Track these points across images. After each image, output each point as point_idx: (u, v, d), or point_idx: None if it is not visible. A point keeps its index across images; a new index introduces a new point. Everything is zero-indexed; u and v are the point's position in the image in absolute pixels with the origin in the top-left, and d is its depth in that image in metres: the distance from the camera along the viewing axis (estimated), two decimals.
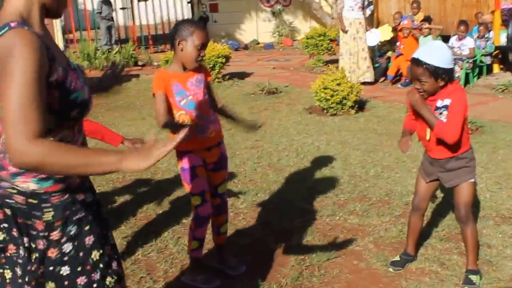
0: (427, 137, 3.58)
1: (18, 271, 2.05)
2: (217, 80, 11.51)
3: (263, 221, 4.76)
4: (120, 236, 4.53)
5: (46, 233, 2.03)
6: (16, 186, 1.98)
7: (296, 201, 5.15)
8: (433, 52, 3.44)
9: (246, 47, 18.32)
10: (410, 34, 10.98)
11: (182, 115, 3.48)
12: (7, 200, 2.00)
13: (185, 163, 3.58)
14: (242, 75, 12.27)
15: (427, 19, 11.61)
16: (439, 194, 4.97)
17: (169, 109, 3.50)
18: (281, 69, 13.28)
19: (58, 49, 2.02)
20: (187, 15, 19.74)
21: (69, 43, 16.85)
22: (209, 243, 4.13)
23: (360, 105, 8.83)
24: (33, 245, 2.03)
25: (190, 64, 3.47)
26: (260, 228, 4.63)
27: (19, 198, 1.99)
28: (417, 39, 10.93)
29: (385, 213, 4.78)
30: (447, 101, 3.44)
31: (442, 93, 3.45)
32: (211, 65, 11.34)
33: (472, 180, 3.63)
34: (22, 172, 1.96)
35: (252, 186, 5.59)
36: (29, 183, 1.98)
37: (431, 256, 4.01)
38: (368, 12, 17.56)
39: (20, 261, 2.04)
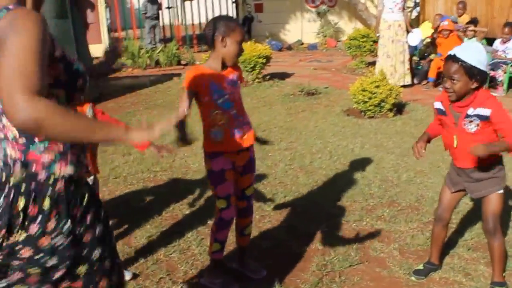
0: (455, 144, 3.46)
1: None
2: (257, 80, 11.50)
3: (288, 224, 4.71)
4: (145, 235, 4.55)
5: (82, 218, 2.08)
6: (56, 175, 1.99)
7: (324, 205, 5.08)
8: (471, 51, 3.33)
9: (289, 48, 18.27)
10: (449, 35, 10.73)
11: (219, 114, 3.44)
12: (47, 192, 1.98)
13: (214, 166, 3.53)
14: (282, 76, 12.22)
15: (473, 22, 11.33)
16: (469, 202, 4.83)
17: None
18: (322, 70, 13.17)
19: (55, 40, 2.05)
20: (232, 14, 19.79)
21: (114, 42, 17.07)
22: (231, 244, 4.11)
23: (399, 108, 8.68)
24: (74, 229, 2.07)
25: (232, 60, 3.46)
26: (285, 231, 4.58)
27: (60, 185, 2.00)
28: (461, 40, 10.68)
29: (413, 220, 4.67)
30: (481, 111, 3.30)
31: (474, 101, 3.32)
32: (251, 65, 11.35)
33: (501, 191, 3.50)
34: (57, 159, 1.99)
35: (281, 189, 5.54)
36: (67, 168, 2.01)
37: (456, 266, 3.89)
38: (414, 13, 17.36)
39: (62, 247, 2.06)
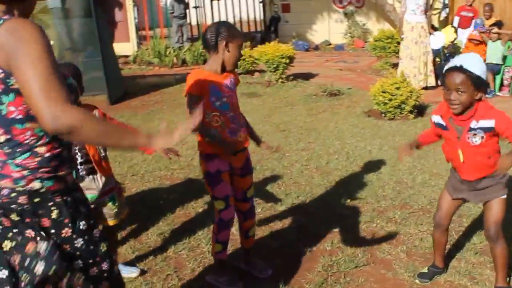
0: (461, 160, 3.43)
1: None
2: (280, 80, 11.52)
3: (298, 224, 4.73)
4: (157, 232, 4.63)
5: (54, 231, 2.09)
6: (19, 189, 2.03)
7: (336, 206, 5.09)
8: (474, 61, 3.32)
9: (316, 48, 18.24)
10: (479, 44, 10.67)
11: (216, 117, 3.50)
12: (12, 206, 2.03)
13: (211, 167, 3.57)
14: (306, 76, 12.23)
15: (497, 24, 11.19)
16: (480, 206, 4.78)
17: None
18: (347, 71, 13.14)
19: None
20: (259, 14, 19.86)
21: (142, 40, 17.27)
22: (237, 243, 4.15)
23: (420, 110, 8.62)
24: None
25: (233, 65, 3.53)
26: (295, 231, 4.61)
27: (23, 199, 2.03)
28: (485, 44, 10.59)
29: (424, 222, 4.66)
30: (484, 123, 3.28)
31: (476, 114, 3.30)
32: (274, 66, 11.37)
33: (504, 196, 3.48)
34: (25, 175, 2.02)
35: (295, 189, 5.56)
36: (33, 183, 2.04)
37: (462, 270, 3.88)
38: (443, 14, 17.19)
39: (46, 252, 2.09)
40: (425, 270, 3.82)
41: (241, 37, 3.52)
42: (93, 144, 1.99)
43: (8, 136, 1.99)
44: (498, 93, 10.43)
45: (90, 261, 2.18)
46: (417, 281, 3.76)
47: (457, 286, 3.70)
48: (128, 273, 3.92)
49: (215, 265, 3.86)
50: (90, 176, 3.62)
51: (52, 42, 10.34)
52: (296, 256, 4.18)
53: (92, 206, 3.65)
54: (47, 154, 2.05)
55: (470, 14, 13.36)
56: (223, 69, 3.53)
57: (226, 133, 3.52)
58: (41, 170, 2.04)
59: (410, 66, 10.55)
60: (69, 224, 2.11)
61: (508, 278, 3.62)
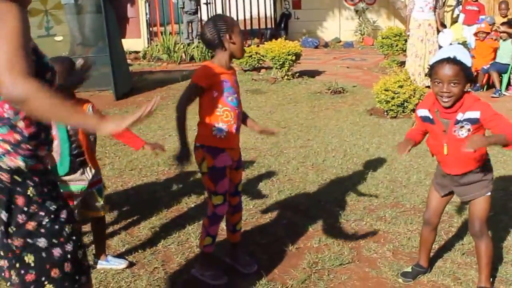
0: (445, 152, 3.42)
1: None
2: (286, 77, 11.54)
3: (288, 221, 4.76)
4: (148, 226, 4.68)
5: (26, 208, 2.18)
6: (2, 165, 2.13)
7: (327, 203, 5.11)
8: (464, 52, 3.31)
9: (326, 45, 18.22)
10: (486, 37, 10.59)
11: (227, 111, 3.52)
12: None
13: (218, 163, 3.57)
14: (312, 73, 12.23)
15: (509, 23, 11.12)
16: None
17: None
18: (355, 69, 13.13)
19: None
20: (270, 11, 19.84)
21: (153, 36, 17.32)
22: (223, 237, 4.19)
23: None
24: (12, 220, 2.18)
25: (242, 51, 3.57)
26: (283, 228, 4.63)
27: (4, 176, 2.14)
28: (496, 41, 10.55)
29: (414, 221, 4.66)
30: (471, 114, 3.26)
31: (462, 106, 3.28)
32: (280, 62, 11.38)
33: (488, 194, 3.48)
34: (9, 150, 2.12)
35: (289, 186, 5.59)
36: (16, 161, 2.13)
37: (447, 270, 3.88)
38: (456, 11, 17.09)
39: None
40: (409, 269, 3.82)
41: (236, 22, 3.54)
42: (42, 117, 2.04)
43: None
44: (504, 93, 10.37)
45: (54, 241, 2.24)
46: (400, 280, 3.77)
47: (440, 286, 3.70)
48: (116, 264, 3.98)
49: (201, 259, 3.90)
50: (81, 169, 3.70)
51: (61, 38, 10.47)
52: (283, 252, 4.21)
53: (81, 197, 3.75)
54: (26, 132, 2.15)
55: (476, 9, 13.28)
56: (228, 66, 3.58)
57: (233, 129, 3.57)
58: (23, 146, 2.14)
59: (416, 64, 10.53)
60: (40, 203, 2.21)
61: (491, 279, 3.62)
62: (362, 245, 4.29)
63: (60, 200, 2.32)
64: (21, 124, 2.13)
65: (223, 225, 4.30)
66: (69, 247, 2.28)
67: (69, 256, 2.28)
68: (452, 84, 3.22)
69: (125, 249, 4.29)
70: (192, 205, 5.12)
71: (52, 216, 2.23)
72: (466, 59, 3.27)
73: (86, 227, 4.21)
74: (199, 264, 3.91)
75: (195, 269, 3.90)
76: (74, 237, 2.31)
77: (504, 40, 10.55)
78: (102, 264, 3.97)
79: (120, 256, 4.13)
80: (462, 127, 3.29)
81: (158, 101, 2.12)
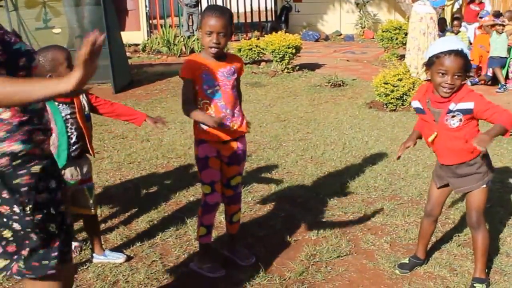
0: (430, 139, 3.45)
1: (17, 226, 2.21)
2: (286, 70, 11.54)
3: (287, 214, 4.77)
4: (146, 219, 4.68)
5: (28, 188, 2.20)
6: (1, 150, 2.13)
7: (326, 196, 5.12)
8: (466, 46, 3.33)
9: (327, 38, 18.20)
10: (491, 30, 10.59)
11: (206, 104, 3.53)
12: None
13: (200, 152, 3.63)
14: (312, 67, 12.23)
15: (497, 15, 11.07)
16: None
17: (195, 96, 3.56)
18: (354, 62, 13.12)
19: None
20: (271, 4, 19.82)
21: (153, 29, 17.32)
22: (223, 231, 4.20)
23: None
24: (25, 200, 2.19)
25: (206, 51, 3.52)
26: (281, 220, 4.64)
27: (4, 160, 2.14)
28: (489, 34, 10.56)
29: (411, 214, 4.67)
30: (464, 105, 3.27)
31: (455, 96, 3.28)
32: (280, 55, 11.37)
33: (484, 186, 3.48)
34: (6, 137, 2.12)
35: (288, 178, 5.60)
36: (14, 146, 2.14)
37: (443, 261, 3.89)
38: (456, 6, 17.07)
39: (16, 217, 2.19)
40: (406, 260, 3.84)
41: (206, 21, 3.43)
42: (8, 105, 2.02)
43: None
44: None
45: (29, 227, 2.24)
46: (397, 271, 3.78)
47: (436, 277, 3.72)
48: (114, 258, 3.98)
49: (199, 251, 3.91)
50: (76, 163, 3.70)
51: (59, 30, 10.45)
52: (281, 244, 4.22)
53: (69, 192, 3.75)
54: (15, 121, 2.14)
55: (477, 9, 13.32)
56: (220, 56, 3.55)
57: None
58: (16, 132, 2.14)
59: (418, 57, 10.52)
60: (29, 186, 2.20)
61: (486, 270, 3.63)
62: (359, 237, 4.30)
63: (48, 187, 2.30)
64: (7, 115, 2.13)
65: (221, 218, 4.33)
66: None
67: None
68: (456, 76, 3.24)
69: (123, 242, 4.30)
70: (191, 199, 5.13)
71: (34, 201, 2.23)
72: (467, 52, 3.29)
73: (80, 223, 4.21)
74: (197, 257, 3.93)
75: (193, 263, 3.92)
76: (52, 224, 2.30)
77: (500, 33, 10.50)
78: (99, 258, 3.98)
79: (118, 249, 4.14)
80: (453, 116, 3.31)
81: (101, 37, 1.99)
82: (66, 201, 2.45)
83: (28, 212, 2.18)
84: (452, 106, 3.29)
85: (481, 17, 12.35)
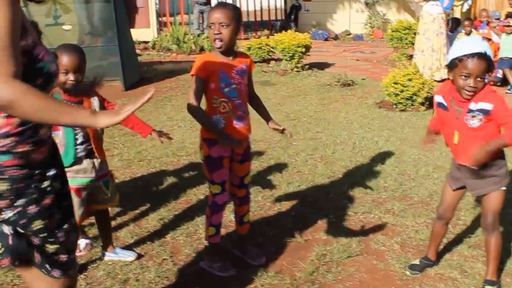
0: (455, 141, 3.43)
1: None
2: (295, 69, 11.53)
3: (297, 213, 4.77)
4: (157, 217, 4.69)
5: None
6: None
7: (336, 196, 5.12)
8: (488, 46, 3.30)
9: (336, 37, 18.17)
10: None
11: (224, 103, 3.52)
12: None
13: (213, 152, 3.60)
14: (322, 66, 12.22)
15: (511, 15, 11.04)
16: (479, 199, 4.78)
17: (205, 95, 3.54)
18: (364, 61, 13.10)
19: (29, 24, 2.11)
20: (280, 3, 19.80)
21: (162, 27, 17.34)
22: (233, 229, 4.21)
23: (432, 102, 8.55)
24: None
25: (214, 47, 3.50)
26: (292, 220, 4.64)
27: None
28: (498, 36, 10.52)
29: (422, 214, 4.67)
30: (483, 105, 3.24)
31: (477, 96, 3.26)
32: (290, 54, 11.37)
33: (503, 188, 3.46)
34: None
35: (298, 178, 5.60)
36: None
37: (454, 263, 3.88)
38: (466, 6, 17.01)
39: None
40: (417, 261, 3.83)
41: (209, 15, 3.48)
42: (32, 120, 1.98)
43: None
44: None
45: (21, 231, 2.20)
46: (407, 272, 3.78)
47: (447, 279, 3.71)
48: (124, 257, 3.99)
49: (209, 250, 3.91)
50: (88, 160, 3.70)
51: (69, 27, 10.46)
52: (291, 244, 4.22)
53: (87, 191, 3.76)
54: (3, 130, 2.05)
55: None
56: (232, 54, 3.55)
57: (232, 121, 3.55)
58: (19, 147, 2.08)
59: (433, 58, 10.49)
60: (10, 199, 2.13)
61: (498, 272, 3.62)
62: (370, 237, 4.29)
63: (37, 194, 2.20)
64: None
65: (231, 217, 4.33)
66: (36, 240, 2.22)
67: (36, 249, 2.23)
68: (479, 79, 3.22)
69: (133, 240, 4.31)
70: (201, 197, 5.13)
71: (20, 209, 2.15)
72: (491, 54, 3.27)
73: (92, 219, 4.22)
74: (207, 256, 3.93)
75: (204, 261, 3.92)
76: (42, 232, 2.23)
77: (508, 33, 10.45)
78: (110, 256, 3.99)
79: (128, 247, 4.15)
80: (473, 116, 3.28)
81: (152, 94, 2.01)
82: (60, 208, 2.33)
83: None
84: (472, 106, 3.27)
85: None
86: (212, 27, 3.42)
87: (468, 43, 3.33)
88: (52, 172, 2.25)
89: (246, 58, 3.68)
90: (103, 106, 3.81)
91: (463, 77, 3.23)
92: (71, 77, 3.46)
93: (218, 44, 3.44)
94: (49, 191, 2.22)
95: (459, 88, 3.29)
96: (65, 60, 3.43)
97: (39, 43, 2.12)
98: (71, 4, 11.46)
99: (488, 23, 12.47)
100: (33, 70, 2.05)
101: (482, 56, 3.20)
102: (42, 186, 2.21)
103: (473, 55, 3.21)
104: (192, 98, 3.45)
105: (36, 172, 2.18)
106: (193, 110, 3.46)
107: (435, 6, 10.49)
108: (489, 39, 10.94)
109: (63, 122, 1.95)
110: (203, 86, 3.49)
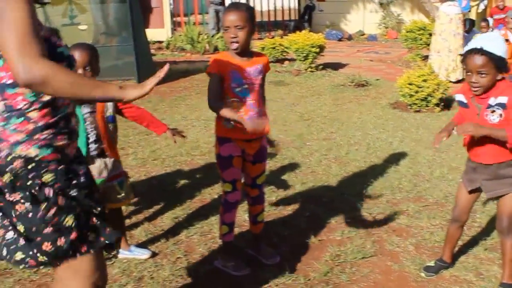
0: (475, 138, 3.41)
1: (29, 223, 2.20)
2: (309, 69, 11.53)
3: (311, 213, 4.76)
4: (171, 216, 4.71)
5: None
6: (15, 155, 2.14)
7: (350, 196, 5.10)
8: (496, 42, 3.27)
9: (350, 38, 18.14)
10: None
11: (235, 102, 3.52)
12: (6, 169, 2.14)
13: (223, 151, 3.62)
14: (336, 66, 12.20)
15: None
16: (494, 202, 4.75)
17: (222, 92, 3.53)
18: (378, 62, 13.07)
19: (39, 22, 2.18)
20: (294, 3, 19.79)
21: (176, 27, 17.38)
22: (247, 229, 4.22)
23: (447, 103, 8.54)
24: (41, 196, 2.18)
25: (228, 46, 3.50)
26: (306, 220, 4.64)
27: (18, 162, 2.14)
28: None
29: (437, 216, 4.65)
30: (501, 99, 3.25)
31: (493, 91, 3.27)
32: (304, 54, 11.36)
33: None
34: (24, 140, 2.14)
35: (312, 178, 5.59)
36: (30, 150, 2.15)
37: (469, 265, 3.86)
38: (481, 6, 16.91)
39: (30, 214, 2.18)
40: (432, 263, 3.82)
41: (224, 17, 3.44)
42: (66, 96, 2.03)
43: (4, 101, 2.14)
44: None
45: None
46: (422, 274, 3.76)
47: (463, 281, 3.69)
48: (139, 255, 4.01)
49: (223, 249, 3.93)
50: (101, 160, 3.72)
51: (85, 27, 10.53)
52: (305, 244, 4.22)
53: (99, 191, 3.77)
54: (41, 122, 2.16)
55: (502, 16, 13.27)
56: (247, 54, 3.55)
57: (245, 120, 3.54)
58: (36, 136, 2.15)
59: (449, 59, 10.45)
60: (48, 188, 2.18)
61: None
62: (384, 238, 4.28)
63: (69, 188, 2.27)
64: (34, 115, 2.13)
65: (246, 216, 4.34)
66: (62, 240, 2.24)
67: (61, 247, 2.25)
68: (480, 74, 3.22)
69: (147, 239, 4.33)
70: (215, 196, 5.14)
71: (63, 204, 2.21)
72: (496, 49, 3.23)
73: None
74: (221, 255, 3.94)
75: (218, 260, 3.93)
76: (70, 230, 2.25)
77: None
78: (124, 254, 4.01)
79: (143, 246, 4.16)
80: (493, 111, 3.27)
81: (169, 68, 2.10)
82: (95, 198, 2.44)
83: (43, 209, 2.17)
84: (491, 101, 3.27)
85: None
86: (228, 30, 3.42)
87: (472, 41, 3.37)
88: (83, 169, 2.36)
89: (263, 59, 3.67)
90: (116, 104, 3.82)
91: (468, 74, 3.30)
92: (80, 72, 3.47)
93: (234, 46, 3.44)
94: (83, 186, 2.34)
95: (469, 85, 3.34)
96: (75, 56, 3.45)
97: (53, 33, 2.23)
98: (87, 5, 11.54)
99: (505, 24, 12.39)
100: (55, 54, 2.14)
101: (477, 51, 3.22)
102: (81, 181, 2.31)
103: (469, 51, 3.26)
104: (209, 95, 3.48)
105: (72, 168, 2.27)
106: (211, 104, 3.45)
107: (452, 7, 10.44)
108: (506, 40, 10.85)
109: (95, 96, 2.02)
110: (219, 83, 3.48)
